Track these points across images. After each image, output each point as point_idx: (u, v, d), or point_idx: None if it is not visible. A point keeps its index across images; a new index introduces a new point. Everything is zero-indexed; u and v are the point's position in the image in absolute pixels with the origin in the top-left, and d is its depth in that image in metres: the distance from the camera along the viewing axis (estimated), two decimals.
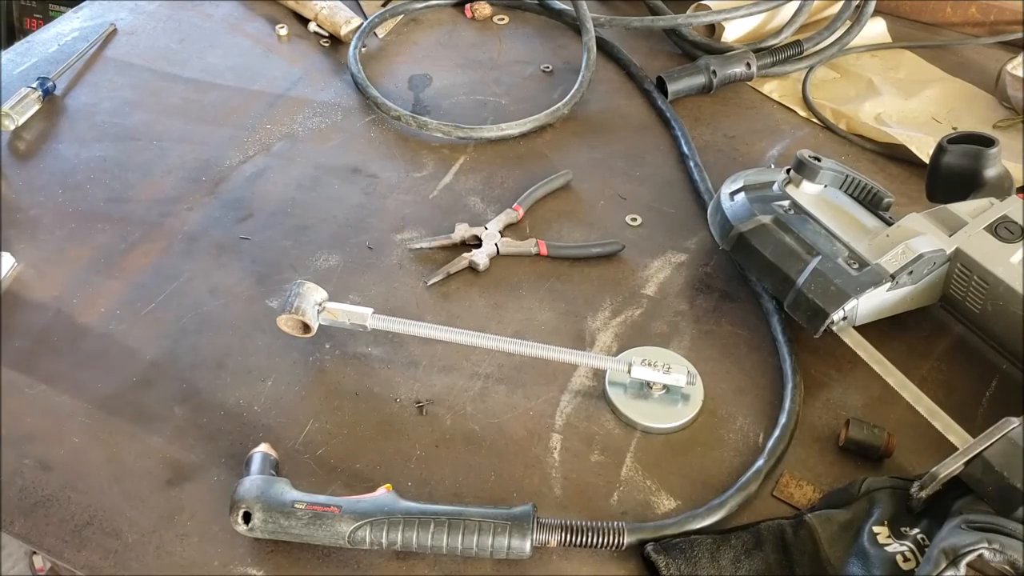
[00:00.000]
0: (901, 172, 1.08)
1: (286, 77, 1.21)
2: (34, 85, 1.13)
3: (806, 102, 1.17)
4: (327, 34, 1.27)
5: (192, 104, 1.16)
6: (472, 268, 0.95)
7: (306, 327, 0.83)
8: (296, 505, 0.70)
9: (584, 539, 0.71)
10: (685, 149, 1.09)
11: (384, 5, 1.31)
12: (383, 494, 0.72)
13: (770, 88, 1.20)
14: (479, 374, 0.86)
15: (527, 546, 0.69)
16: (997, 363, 0.86)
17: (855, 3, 1.22)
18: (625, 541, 0.71)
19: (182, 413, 0.82)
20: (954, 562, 0.62)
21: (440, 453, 0.80)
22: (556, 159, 1.10)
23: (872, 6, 1.22)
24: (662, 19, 1.21)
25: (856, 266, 0.83)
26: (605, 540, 0.71)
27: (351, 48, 1.20)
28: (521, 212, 1.00)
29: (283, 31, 1.27)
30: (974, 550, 0.62)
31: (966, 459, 0.69)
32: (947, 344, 0.89)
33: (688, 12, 1.21)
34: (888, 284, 0.82)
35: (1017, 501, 0.66)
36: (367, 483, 0.77)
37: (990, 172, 0.90)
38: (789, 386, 0.83)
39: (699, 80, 1.17)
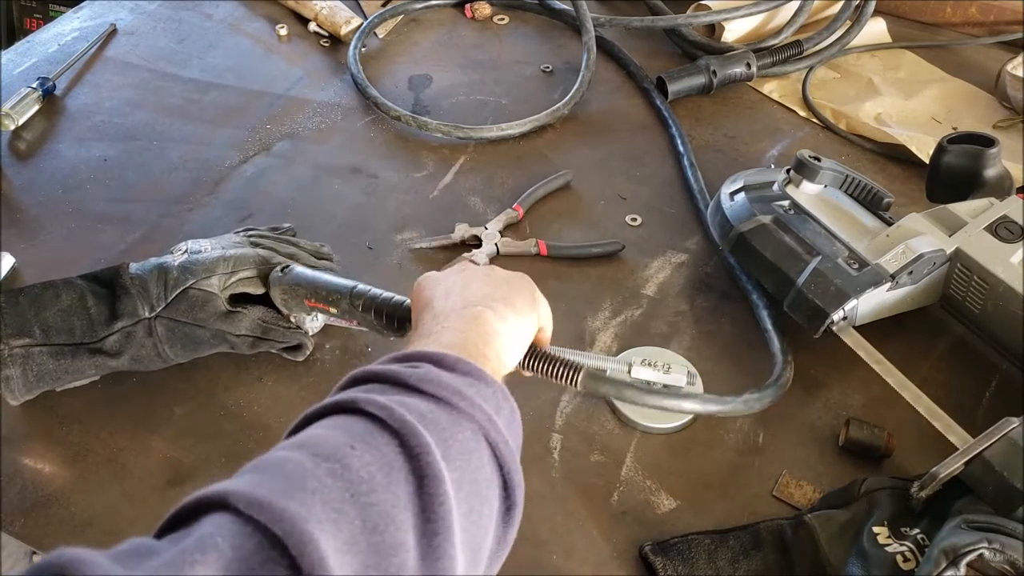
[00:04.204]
0: (901, 172, 1.08)
1: (286, 77, 1.21)
2: (34, 85, 1.13)
3: (806, 102, 1.17)
4: (327, 34, 1.27)
5: (192, 104, 1.16)
6: None
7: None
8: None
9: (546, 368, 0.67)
10: (680, 148, 1.09)
11: (384, 5, 1.31)
12: None
13: (770, 88, 1.20)
14: None
15: None
16: (997, 363, 0.86)
17: (855, 3, 1.22)
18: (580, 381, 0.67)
19: (182, 413, 0.82)
20: (954, 562, 0.62)
21: None
22: (556, 159, 1.09)
23: (872, 6, 1.22)
24: (662, 19, 1.21)
25: (856, 266, 0.83)
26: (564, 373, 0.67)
27: (351, 48, 1.20)
28: (521, 212, 1.00)
29: (283, 31, 1.27)
30: (974, 550, 0.62)
31: (966, 459, 0.69)
32: (947, 344, 0.89)
33: (688, 12, 1.21)
34: (888, 284, 0.82)
35: (1017, 501, 0.66)
36: None
37: (990, 172, 0.90)
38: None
39: (699, 80, 1.16)
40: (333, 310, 0.78)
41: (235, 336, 0.81)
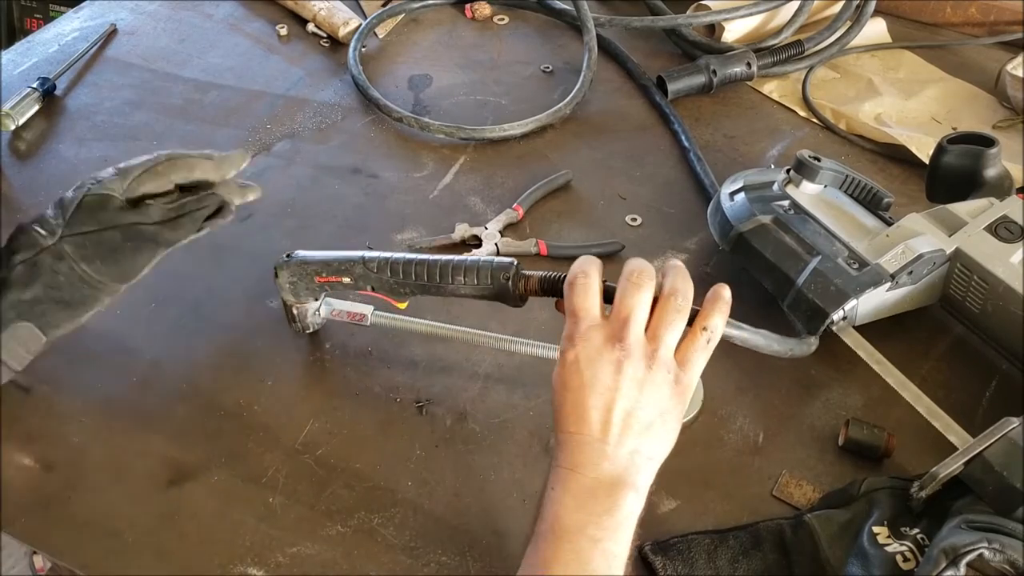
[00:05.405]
0: (901, 172, 1.08)
1: (286, 77, 1.21)
2: (34, 85, 1.13)
3: (806, 102, 1.17)
4: (325, 35, 1.27)
5: (192, 104, 1.16)
6: None
7: None
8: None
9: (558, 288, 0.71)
10: (685, 143, 1.09)
11: (384, 5, 1.31)
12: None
13: (770, 88, 1.20)
14: (479, 374, 0.86)
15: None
16: (997, 363, 0.86)
17: (855, 3, 1.22)
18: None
19: (182, 413, 0.82)
20: (954, 562, 0.62)
21: (440, 453, 0.80)
22: (556, 159, 1.10)
23: (872, 6, 1.22)
24: (662, 19, 1.22)
25: (856, 266, 0.83)
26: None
27: (351, 50, 1.20)
28: (521, 212, 1.00)
29: (283, 31, 1.27)
30: (974, 550, 0.62)
31: (966, 459, 0.69)
32: (947, 344, 0.89)
33: (688, 12, 1.21)
34: (888, 284, 0.82)
35: (1017, 501, 0.66)
36: (367, 483, 0.77)
37: (990, 172, 0.90)
38: None
39: (699, 80, 1.17)
40: (346, 279, 0.78)
41: (151, 226, 0.76)
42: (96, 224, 0.74)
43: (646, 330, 0.64)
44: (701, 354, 0.65)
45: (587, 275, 0.66)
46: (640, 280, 0.64)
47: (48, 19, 1.96)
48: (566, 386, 0.63)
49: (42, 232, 0.74)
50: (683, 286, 0.65)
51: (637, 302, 0.64)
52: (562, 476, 0.62)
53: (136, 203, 0.76)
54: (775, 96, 1.19)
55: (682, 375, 0.64)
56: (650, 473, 0.63)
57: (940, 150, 0.92)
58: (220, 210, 0.79)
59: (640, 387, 0.62)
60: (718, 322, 0.66)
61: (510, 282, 0.74)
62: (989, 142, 0.90)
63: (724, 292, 0.67)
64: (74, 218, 0.75)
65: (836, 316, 0.81)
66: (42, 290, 0.73)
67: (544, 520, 0.61)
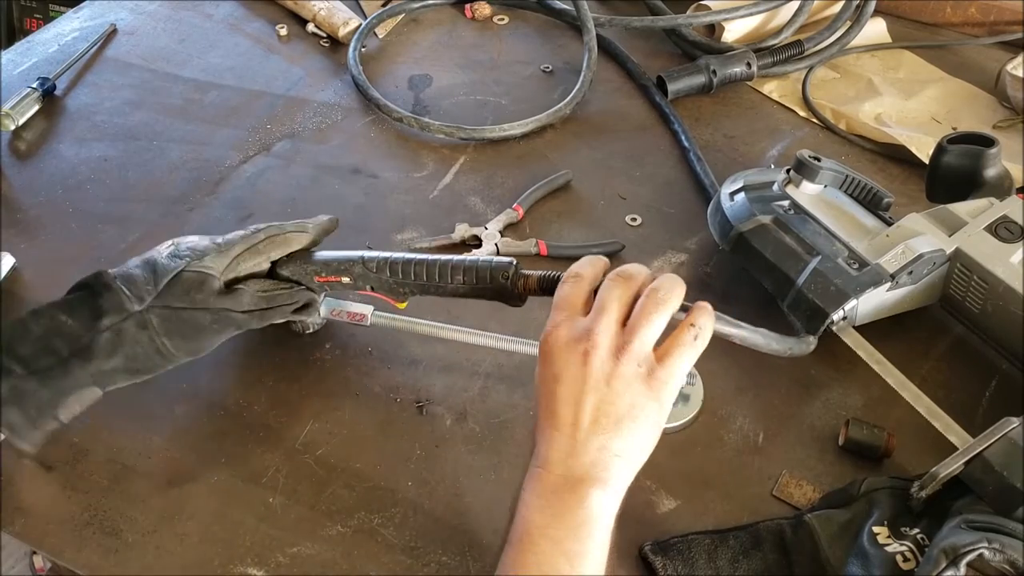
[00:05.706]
0: (901, 172, 1.08)
1: (286, 77, 1.21)
2: (34, 85, 1.13)
3: (806, 102, 1.17)
4: (325, 35, 1.27)
5: (192, 104, 1.16)
6: None
7: None
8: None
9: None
10: (685, 143, 1.09)
11: (384, 5, 1.31)
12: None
13: (770, 88, 1.20)
14: (479, 374, 0.86)
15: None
16: (997, 363, 0.86)
17: (855, 3, 1.22)
18: None
19: (182, 413, 0.82)
20: (954, 562, 0.62)
21: (440, 453, 0.80)
22: (556, 159, 1.10)
23: (872, 6, 1.22)
24: (662, 19, 1.22)
25: (856, 266, 0.83)
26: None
27: (351, 50, 1.20)
28: (521, 212, 1.00)
29: (283, 31, 1.27)
30: (974, 550, 0.62)
31: (966, 459, 0.69)
32: (947, 344, 0.89)
33: (688, 12, 1.21)
34: (888, 284, 0.82)
35: (1017, 501, 0.66)
36: (367, 483, 0.77)
37: (990, 172, 0.90)
38: None
39: (699, 80, 1.17)
40: (346, 279, 0.79)
41: (240, 313, 0.76)
42: (188, 302, 0.74)
43: (625, 325, 0.63)
44: (685, 350, 0.63)
45: (579, 275, 0.66)
46: (621, 277, 0.64)
47: (48, 19, 1.97)
48: (540, 379, 0.63)
49: (129, 295, 0.73)
50: (669, 284, 0.64)
51: (614, 297, 0.63)
52: (532, 475, 0.61)
53: (230, 283, 0.76)
54: (775, 96, 1.19)
55: (658, 369, 0.62)
56: (621, 470, 0.61)
57: (940, 150, 0.92)
58: (307, 305, 0.81)
59: (607, 380, 0.60)
60: (707, 322, 0.65)
61: (509, 281, 0.74)
62: (989, 142, 0.90)
63: (709, 307, 0.66)
64: (167, 290, 0.73)
65: (836, 316, 0.81)
66: (123, 363, 0.73)
67: (515, 523, 0.60)
